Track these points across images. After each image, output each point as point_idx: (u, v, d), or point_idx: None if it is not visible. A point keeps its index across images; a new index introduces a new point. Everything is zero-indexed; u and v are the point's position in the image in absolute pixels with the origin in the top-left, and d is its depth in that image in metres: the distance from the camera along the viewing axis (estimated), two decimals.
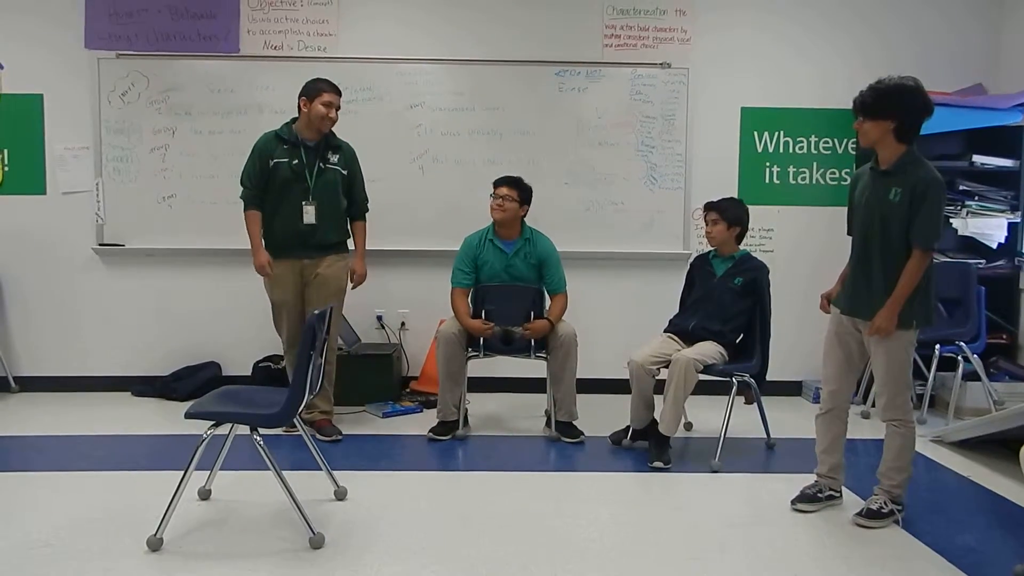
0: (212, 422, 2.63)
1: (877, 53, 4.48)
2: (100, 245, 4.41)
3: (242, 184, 3.64)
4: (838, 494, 3.01)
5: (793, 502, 2.96)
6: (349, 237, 3.81)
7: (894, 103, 2.66)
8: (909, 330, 2.74)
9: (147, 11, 4.32)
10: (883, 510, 2.81)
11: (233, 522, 2.77)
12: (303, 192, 3.59)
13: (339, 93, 3.65)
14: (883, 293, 2.71)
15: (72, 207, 4.41)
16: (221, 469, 2.93)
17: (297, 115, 3.64)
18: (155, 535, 2.52)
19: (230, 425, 2.73)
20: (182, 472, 2.60)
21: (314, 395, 2.85)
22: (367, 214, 3.85)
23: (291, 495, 2.59)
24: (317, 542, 2.55)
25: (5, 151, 4.39)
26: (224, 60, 4.30)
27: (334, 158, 3.68)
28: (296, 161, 3.58)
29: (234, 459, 3.05)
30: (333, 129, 3.67)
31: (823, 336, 4.51)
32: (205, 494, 2.92)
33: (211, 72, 4.31)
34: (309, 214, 3.60)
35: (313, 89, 3.60)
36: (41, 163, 4.40)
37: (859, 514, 2.83)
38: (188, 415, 2.61)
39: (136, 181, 4.37)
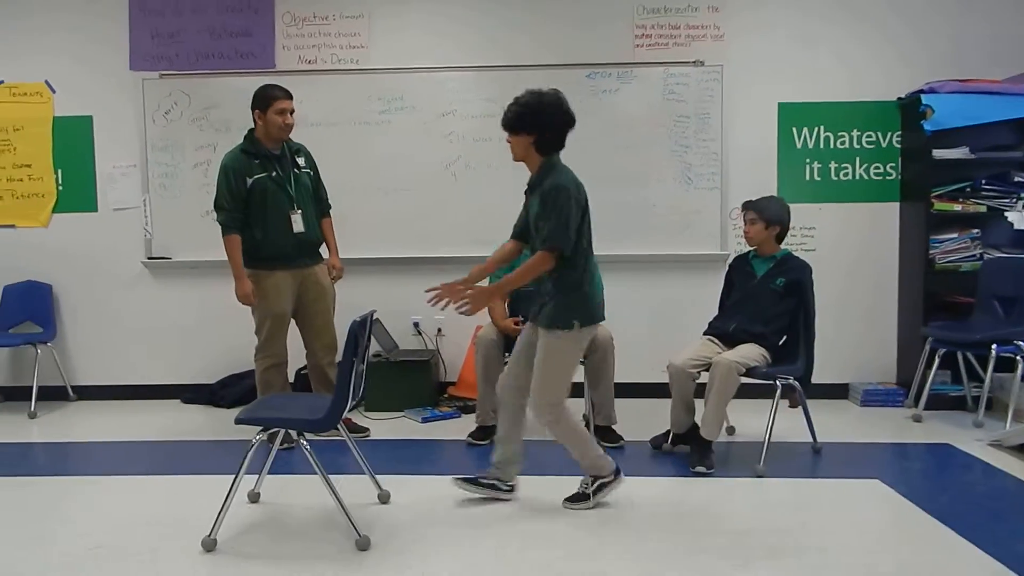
0: (261, 428, 2.69)
1: (914, 43, 4.36)
2: (148, 259, 4.58)
3: (219, 208, 3.55)
4: (506, 487, 3.00)
5: (456, 478, 3.03)
6: (322, 240, 3.81)
7: (531, 119, 2.73)
8: (569, 331, 2.77)
9: (187, 31, 4.48)
10: (590, 492, 2.93)
11: (282, 525, 2.83)
12: (288, 202, 3.59)
13: (291, 96, 3.58)
14: (549, 295, 2.80)
15: (122, 223, 4.59)
16: (269, 473, 3.02)
17: (253, 127, 3.59)
18: (209, 536, 2.60)
19: (278, 430, 2.81)
20: (232, 476, 2.67)
21: (357, 401, 2.90)
22: (330, 210, 3.86)
23: (338, 498, 2.64)
24: (363, 544, 2.59)
25: (59, 171, 4.61)
26: (261, 76, 4.36)
27: (301, 161, 3.70)
28: (275, 173, 3.58)
29: (281, 463, 3.17)
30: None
31: (869, 336, 4.45)
32: (255, 497, 3.00)
33: (248, 88, 4.29)
34: (297, 222, 3.61)
35: (265, 98, 3.54)
36: (92, 182, 4.60)
37: (566, 499, 2.95)
38: (238, 421, 2.68)
39: (181, 196, 4.52)
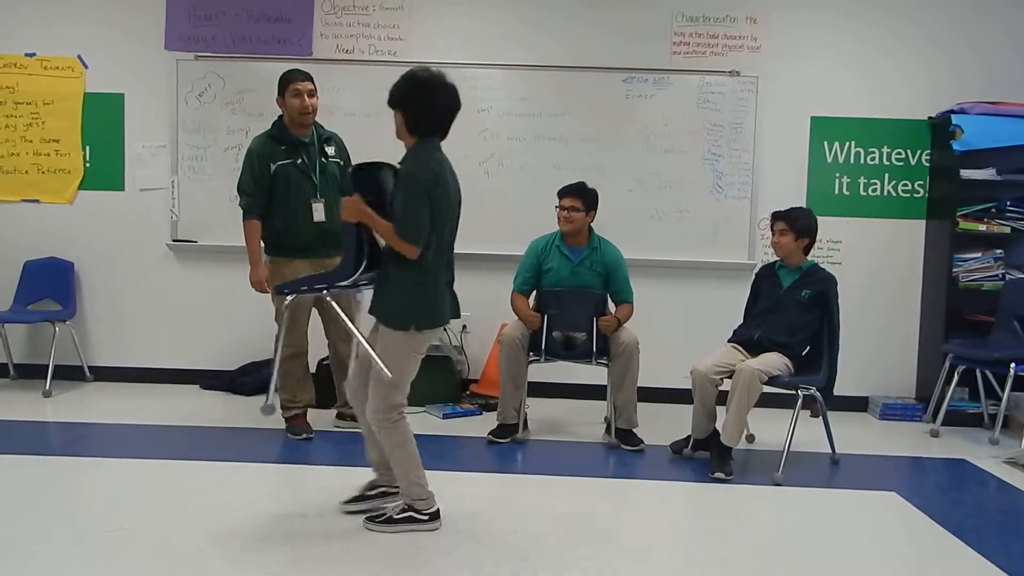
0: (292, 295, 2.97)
1: (946, 64, 4.42)
2: (174, 241, 4.56)
3: (241, 192, 3.55)
4: (395, 489, 2.78)
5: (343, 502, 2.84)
6: None
7: (400, 95, 2.57)
8: (403, 332, 2.57)
9: (225, 14, 4.46)
10: (394, 517, 2.68)
11: (293, 514, 2.83)
12: (311, 190, 3.56)
13: (309, 78, 3.52)
14: (385, 285, 2.61)
15: (148, 204, 4.56)
16: (285, 463, 3.09)
17: (282, 113, 3.58)
18: (267, 403, 2.75)
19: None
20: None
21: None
22: None
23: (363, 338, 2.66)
24: (268, 410, 2.74)
25: (87, 148, 4.57)
26: (297, 62, 4.33)
27: (331, 150, 3.66)
28: (300, 160, 3.55)
29: (300, 453, 3.25)
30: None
31: (890, 351, 4.51)
32: (269, 410, 2.83)
33: None
34: (319, 211, 3.56)
35: (281, 83, 3.53)
36: (120, 160, 4.57)
37: (368, 516, 2.70)
38: (277, 290, 3.00)
39: (210, 180, 4.50)
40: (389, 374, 2.53)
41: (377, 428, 2.64)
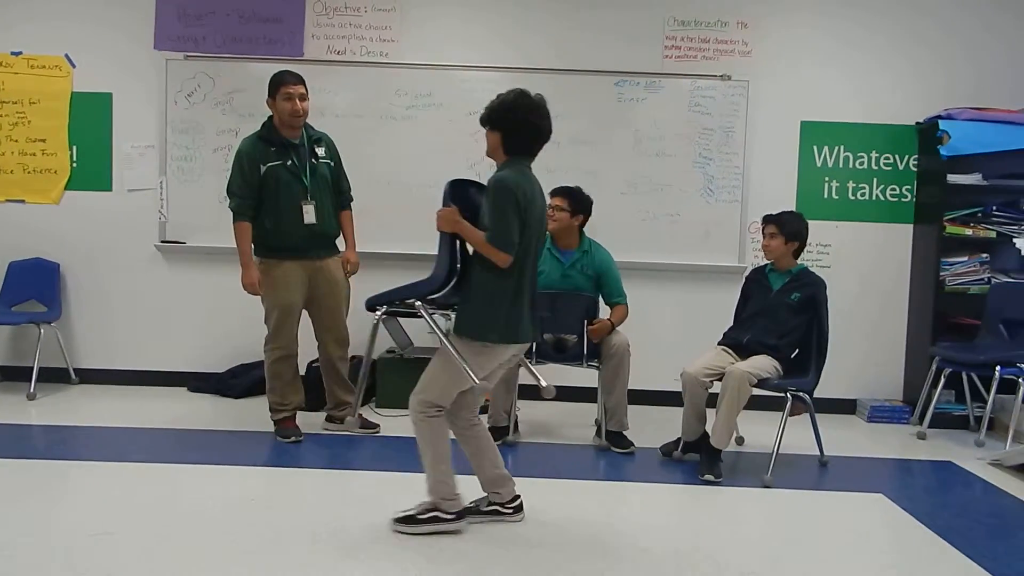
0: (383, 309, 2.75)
1: (935, 70, 4.47)
2: (162, 242, 4.52)
3: (231, 194, 3.54)
4: (507, 510, 2.82)
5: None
6: (339, 232, 3.78)
7: (500, 117, 2.65)
8: (471, 341, 2.58)
9: (215, 14, 4.43)
10: (418, 517, 2.68)
11: (282, 518, 2.79)
12: (302, 192, 3.55)
13: (301, 81, 3.52)
14: (466, 299, 2.62)
15: (136, 204, 4.52)
16: (275, 466, 3.04)
17: (272, 114, 3.56)
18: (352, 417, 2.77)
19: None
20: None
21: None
22: (351, 203, 3.82)
23: (453, 347, 2.56)
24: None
25: (74, 148, 4.53)
26: (288, 63, 4.30)
27: (321, 151, 3.65)
28: (290, 162, 3.54)
29: (288, 456, 3.20)
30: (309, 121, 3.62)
31: (878, 354, 4.54)
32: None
33: None
34: (309, 213, 3.56)
35: (273, 84, 3.52)
36: (108, 160, 4.53)
37: (395, 517, 2.70)
38: (368, 305, 2.77)
39: (199, 180, 4.47)
40: (477, 380, 2.54)
41: (413, 417, 2.67)
